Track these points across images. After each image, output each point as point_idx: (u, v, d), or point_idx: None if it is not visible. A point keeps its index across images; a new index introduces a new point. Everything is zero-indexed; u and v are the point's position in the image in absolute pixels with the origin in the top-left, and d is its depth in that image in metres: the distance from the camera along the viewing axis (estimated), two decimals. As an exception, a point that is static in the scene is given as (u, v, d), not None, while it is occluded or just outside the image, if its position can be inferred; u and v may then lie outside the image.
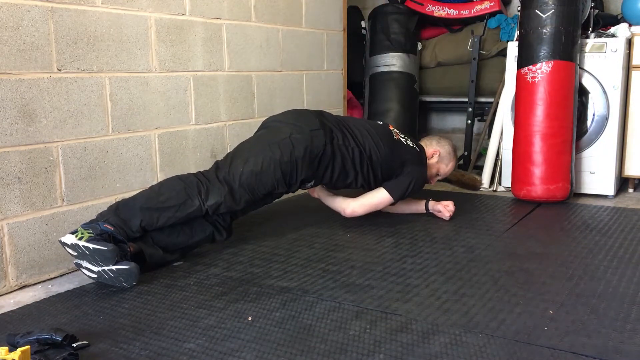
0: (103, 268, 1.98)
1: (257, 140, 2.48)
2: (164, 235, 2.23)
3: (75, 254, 2.01)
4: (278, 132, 2.45)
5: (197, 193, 2.22)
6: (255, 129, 2.65)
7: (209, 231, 2.33)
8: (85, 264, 2.00)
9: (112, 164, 2.38)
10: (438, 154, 2.83)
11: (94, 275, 2.02)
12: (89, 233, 2.01)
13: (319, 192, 2.81)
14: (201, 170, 2.39)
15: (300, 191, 3.40)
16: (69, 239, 2.00)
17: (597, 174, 3.33)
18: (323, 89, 3.68)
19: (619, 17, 3.57)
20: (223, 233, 2.38)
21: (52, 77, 2.14)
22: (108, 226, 2.06)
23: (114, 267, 1.98)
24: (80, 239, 1.98)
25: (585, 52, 3.25)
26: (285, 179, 2.40)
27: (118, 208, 2.16)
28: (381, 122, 2.84)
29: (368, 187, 2.70)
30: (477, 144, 4.03)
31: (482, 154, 3.95)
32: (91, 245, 1.96)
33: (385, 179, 2.66)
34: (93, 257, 1.97)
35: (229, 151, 2.56)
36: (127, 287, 2.03)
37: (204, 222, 2.32)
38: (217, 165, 2.38)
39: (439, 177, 2.93)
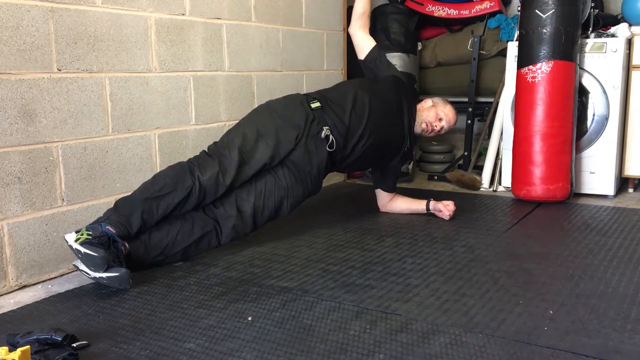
0: (95, 275, 1.99)
1: (246, 120, 2.55)
2: (163, 234, 2.21)
3: (73, 254, 2.02)
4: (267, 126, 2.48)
5: (190, 173, 2.25)
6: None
7: (210, 227, 2.30)
8: (81, 266, 2.01)
9: (112, 164, 2.38)
10: (430, 100, 2.86)
11: (91, 278, 2.02)
12: (87, 235, 2.01)
13: None
14: None
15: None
16: (70, 238, 2.01)
17: (597, 174, 3.33)
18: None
19: (619, 17, 3.57)
20: (223, 235, 2.35)
21: (52, 77, 2.14)
22: (110, 228, 2.05)
23: (104, 275, 1.98)
24: (76, 240, 1.99)
25: (585, 52, 3.25)
26: (280, 136, 2.43)
27: (117, 205, 2.17)
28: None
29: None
30: (477, 144, 4.02)
31: (482, 154, 3.95)
32: (83, 250, 1.96)
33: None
34: (85, 261, 1.98)
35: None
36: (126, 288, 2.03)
37: (205, 217, 2.30)
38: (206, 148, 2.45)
39: (444, 123, 2.79)
